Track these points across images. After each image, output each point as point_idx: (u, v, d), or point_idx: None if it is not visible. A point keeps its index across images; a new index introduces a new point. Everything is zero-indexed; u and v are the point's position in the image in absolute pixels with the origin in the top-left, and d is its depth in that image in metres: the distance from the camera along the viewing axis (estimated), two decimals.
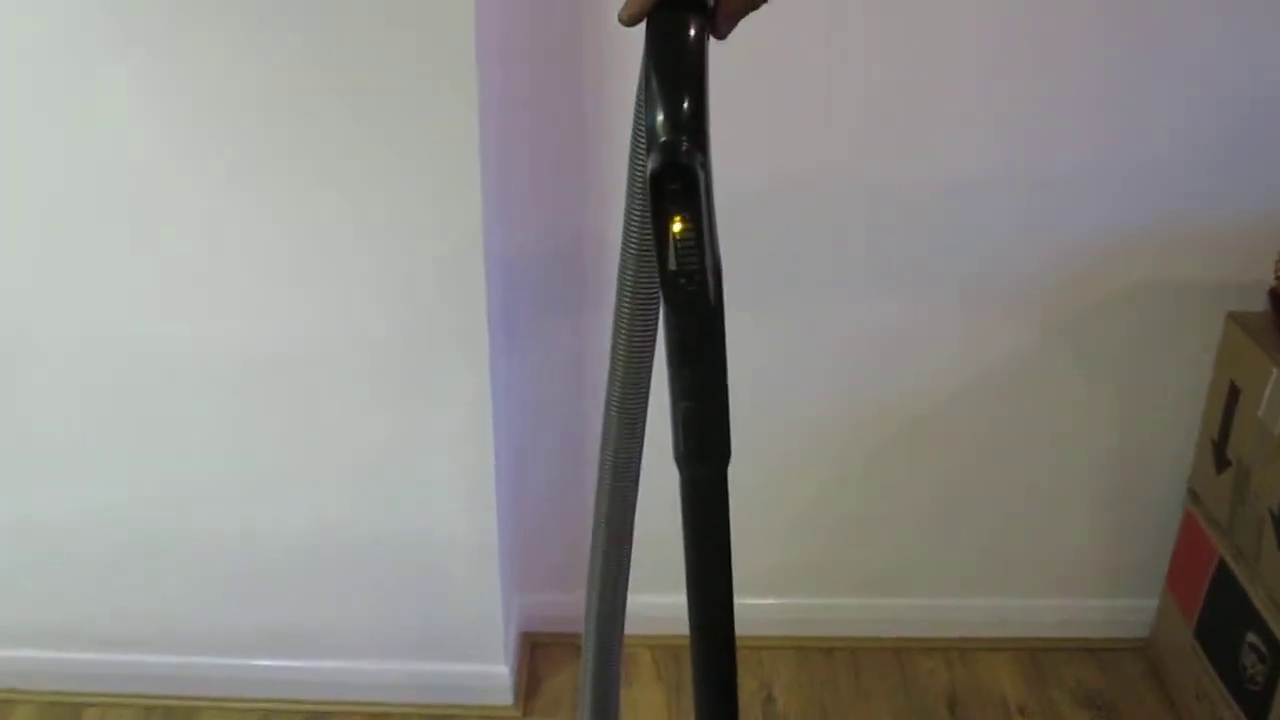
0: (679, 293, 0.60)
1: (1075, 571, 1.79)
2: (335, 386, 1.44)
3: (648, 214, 0.63)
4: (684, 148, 0.58)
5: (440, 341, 1.40)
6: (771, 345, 1.57)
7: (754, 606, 1.75)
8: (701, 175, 0.58)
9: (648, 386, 0.81)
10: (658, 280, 0.61)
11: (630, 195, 0.72)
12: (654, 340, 0.77)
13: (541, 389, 1.62)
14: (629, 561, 0.96)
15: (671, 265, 0.59)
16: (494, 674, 1.64)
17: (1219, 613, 1.56)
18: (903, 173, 1.48)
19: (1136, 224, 1.52)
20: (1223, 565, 1.54)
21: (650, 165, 0.58)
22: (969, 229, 1.52)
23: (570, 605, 1.57)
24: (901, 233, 1.52)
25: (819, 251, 1.53)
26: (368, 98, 1.26)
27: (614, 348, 0.79)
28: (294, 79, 1.25)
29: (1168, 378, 1.62)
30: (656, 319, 0.76)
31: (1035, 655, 1.79)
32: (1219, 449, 1.55)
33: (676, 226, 0.58)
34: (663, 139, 0.58)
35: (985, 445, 1.68)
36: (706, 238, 0.59)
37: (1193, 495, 1.64)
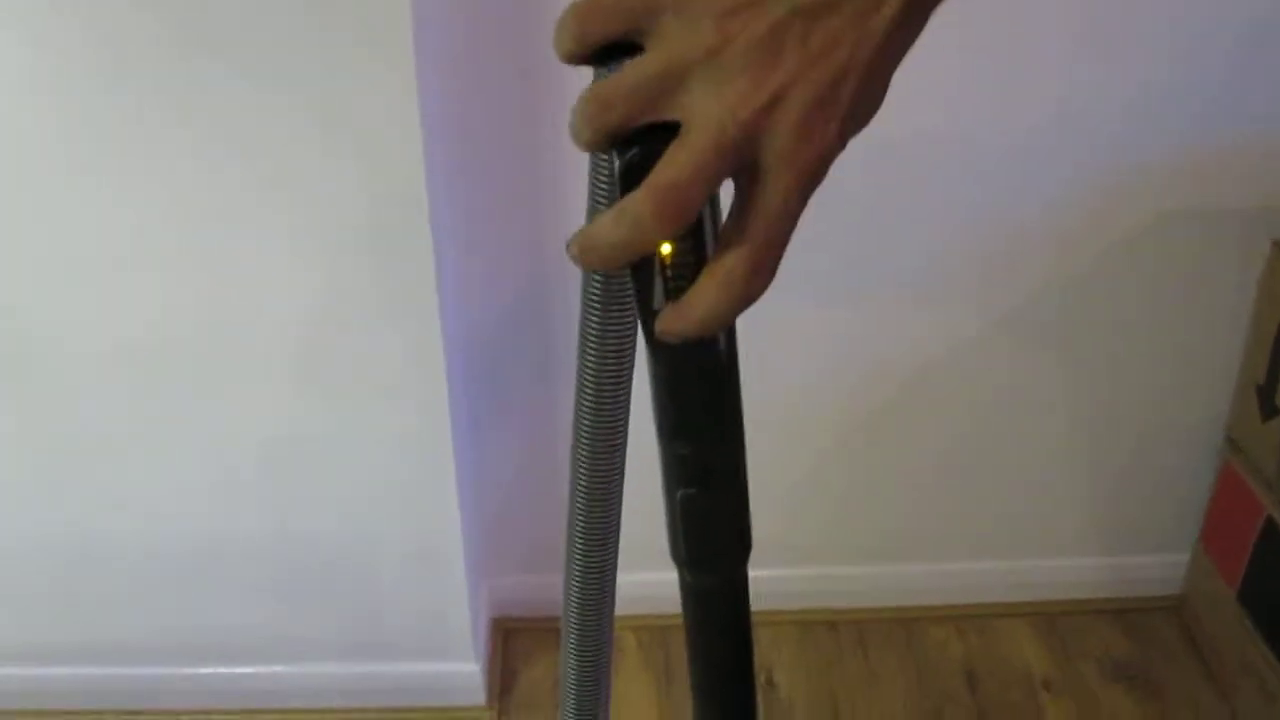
0: (674, 343, 0.42)
1: (1095, 527, 1.65)
2: (266, 366, 1.25)
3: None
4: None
5: (382, 303, 1.22)
6: (760, 304, 1.39)
7: (751, 580, 1.59)
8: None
9: (631, 364, 0.62)
10: (639, 324, 0.43)
11: (593, 194, 0.51)
12: (633, 337, 0.58)
13: (503, 345, 1.44)
14: (616, 543, 0.78)
15: (660, 303, 0.41)
16: (461, 672, 1.47)
17: (1268, 576, 1.40)
18: (895, 119, 1.29)
19: (1156, 153, 1.35)
20: (1271, 524, 1.38)
21: (621, 150, 0.39)
22: (969, 172, 1.35)
23: (548, 586, 1.39)
24: (898, 180, 1.34)
25: (810, 207, 1.34)
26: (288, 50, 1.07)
27: (580, 383, 0.60)
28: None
29: (1200, 316, 1.46)
30: (633, 336, 0.57)
31: (1055, 620, 1.65)
32: (1266, 395, 1.39)
33: (665, 246, 0.40)
34: None
35: (994, 396, 1.52)
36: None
37: (1232, 445, 1.48)
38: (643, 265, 0.40)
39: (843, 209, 1.36)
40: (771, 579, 1.63)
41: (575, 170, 0.52)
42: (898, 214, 1.38)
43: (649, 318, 0.41)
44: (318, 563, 1.40)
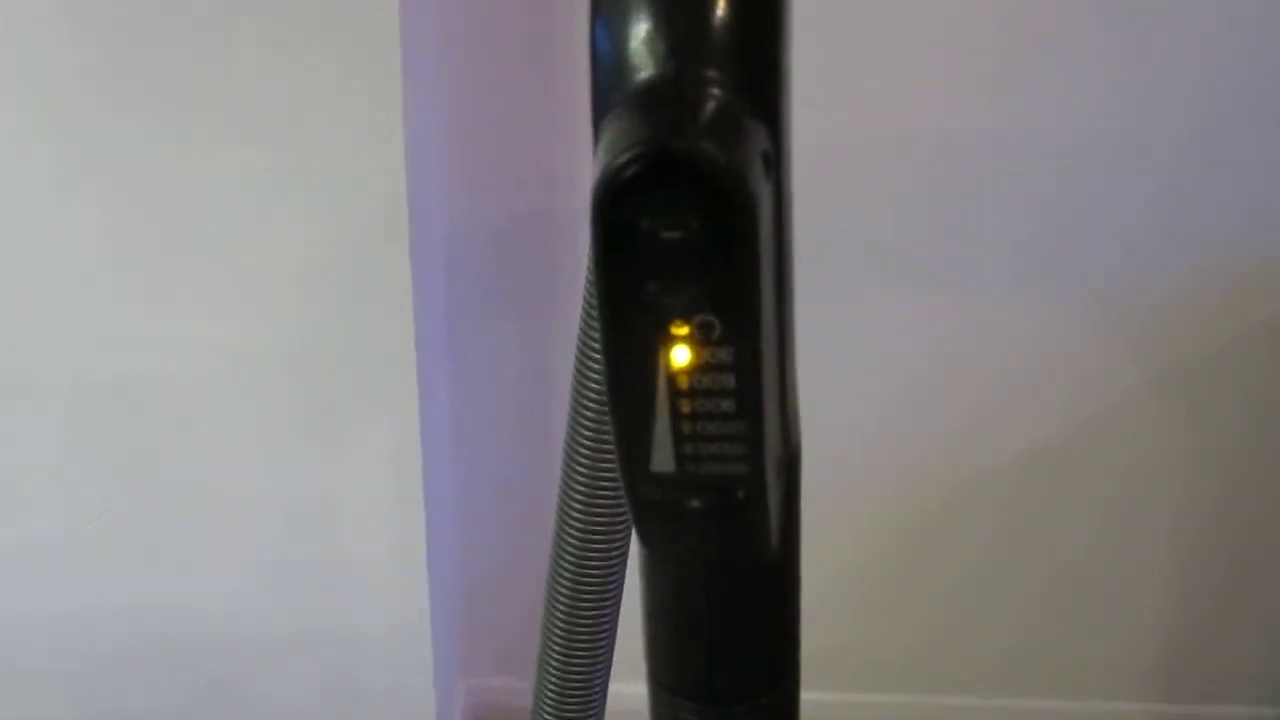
0: (679, 534, 0.24)
1: (1174, 667, 1.49)
2: (203, 420, 1.16)
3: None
4: (705, 102, 0.22)
5: (350, 354, 1.14)
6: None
7: None
8: (764, 194, 0.21)
9: None
10: (623, 499, 0.24)
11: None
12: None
13: (494, 416, 1.35)
14: (609, 658, 0.63)
15: (662, 464, 0.22)
16: None
17: None
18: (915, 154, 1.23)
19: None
20: None
21: (596, 174, 0.22)
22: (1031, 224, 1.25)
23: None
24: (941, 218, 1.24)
25: (851, 248, 1.25)
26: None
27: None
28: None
29: None
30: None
31: None
32: None
33: (679, 356, 0.21)
34: (644, 73, 0.23)
35: (1052, 502, 1.40)
36: (773, 384, 0.23)
37: None
38: (630, 397, 0.21)
39: (867, 272, 1.28)
40: None
41: (579, 224, 0.40)
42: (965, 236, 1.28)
43: (644, 489, 0.22)
44: (259, 640, 1.28)
